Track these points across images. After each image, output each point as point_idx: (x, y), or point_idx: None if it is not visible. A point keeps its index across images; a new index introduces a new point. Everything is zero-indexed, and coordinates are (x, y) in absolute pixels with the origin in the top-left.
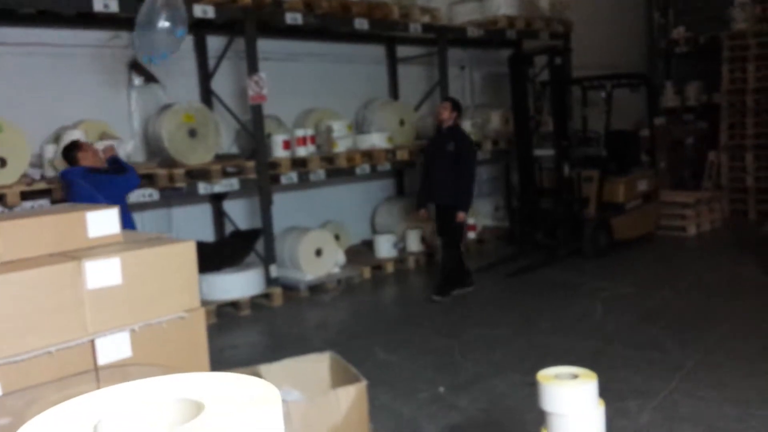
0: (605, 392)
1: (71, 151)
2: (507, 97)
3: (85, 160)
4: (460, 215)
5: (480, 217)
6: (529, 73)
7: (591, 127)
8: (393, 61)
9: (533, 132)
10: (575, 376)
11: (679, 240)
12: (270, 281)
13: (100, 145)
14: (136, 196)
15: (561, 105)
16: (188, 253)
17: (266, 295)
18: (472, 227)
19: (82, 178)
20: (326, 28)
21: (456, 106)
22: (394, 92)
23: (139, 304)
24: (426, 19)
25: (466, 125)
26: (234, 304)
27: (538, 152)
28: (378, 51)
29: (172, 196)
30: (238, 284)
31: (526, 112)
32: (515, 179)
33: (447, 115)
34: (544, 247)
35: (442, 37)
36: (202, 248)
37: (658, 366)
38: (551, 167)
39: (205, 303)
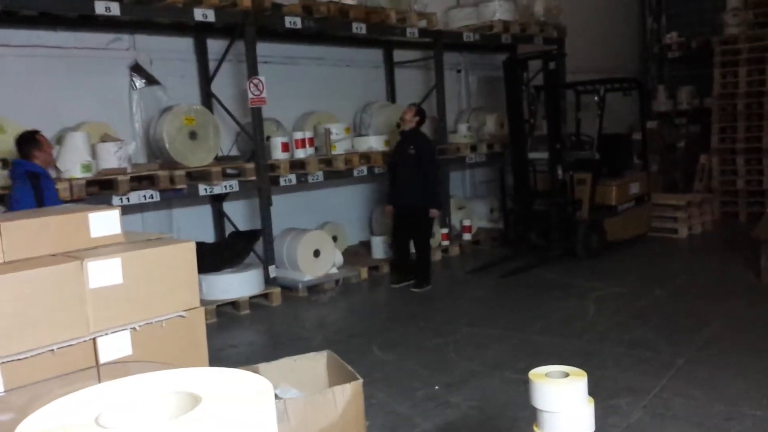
0: (597, 390)
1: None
2: (502, 100)
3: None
4: (433, 212)
5: (475, 218)
6: (523, 77)
7: (584, 130)
8: (390, 65)
9: (527, 135)
10: (566, 375)
11: (670, 241)
12: (269, 281)
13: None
14: (137, 197)
15: (555, 109)
16: (188, 253)
17: (265, 295)
18: (468, 228)
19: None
20: (324, 32)
21: (420, 113)
22: (391, 95)
23: (140, 303)
24: (422, 23)
25: (462, 128)
26: (233, 304)
27: (533, 155)
28: (376, 55)
29: (173, 197)
30: (238, 284)
31: (520, 115)
32: (510, 182)
33: (409, 117)
34: (538, 248)
35: (439, 42)
36: (202, 249)
37: (649, 364)
38: (545, 170)
39: (204, 303)
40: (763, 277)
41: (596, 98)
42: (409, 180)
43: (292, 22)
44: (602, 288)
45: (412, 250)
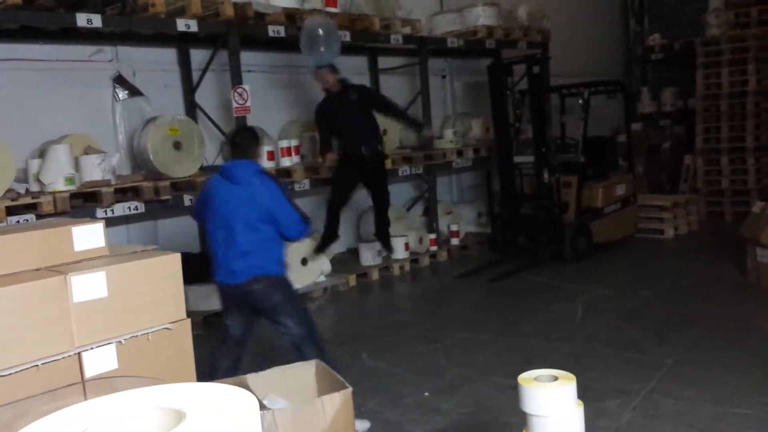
0: (586, 393)
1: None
2: (487, 105)
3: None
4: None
5: (463, 223)
6: (508, 81)
7: (569, 133)
8: (375, 72)
9: (513, 139)
10: (555, 378)
11: (657, 242)
12: None
13: None
14: (122, 209)
15: (540, 112)
16: (173, 265)
17: None
18: (456, 233)
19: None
20: None
21: (336, 70)
22: None
23: (125, 316)
24: (407, 30)
25: (448, 133)
26: (220, 315)
27: (518, 159)
28: (360, 62)
29: (158, 208)
30: None
31: (506, 119)
32: (496, 186)
33: (333, 79)
34: (526, 252)
35: (423, 48)
36: (188, 259)
37: (638, 366)
38: (531, 173)
39: (191, 314)
40: (750, 275)
41: (580, 101)
42: (360, 128)
43: (276, 30)
44: (590, 290)
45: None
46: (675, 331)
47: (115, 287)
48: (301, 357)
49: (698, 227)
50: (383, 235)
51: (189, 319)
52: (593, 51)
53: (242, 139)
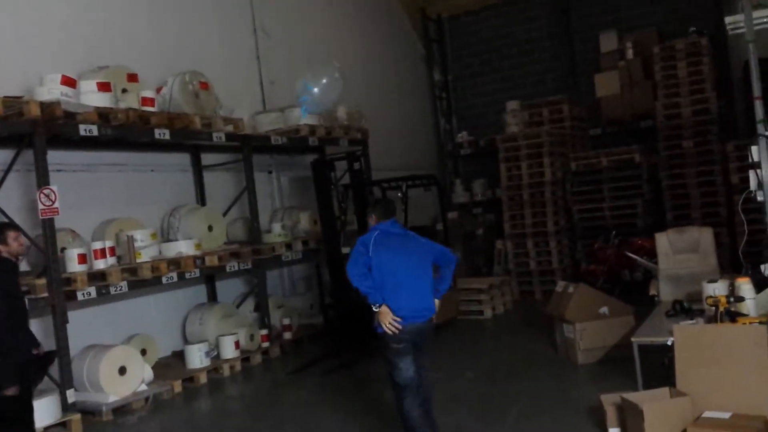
0: None
1: None
2: (314, 198)
3: None
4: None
5: (295, 316)
6: (332, 176)
7: None
8: (199, 168)
9: (340, 231)
10: None
11: (478, 323)
12: (67, 408)
13: None
14: None
15: (362, 205)
16: None
17: (63, 424)
18: (288, 327)
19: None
20: (125, 139)
21: None
22: (201, 198)
23: None
24: (229, 128)
25: (276, 227)
26: None
27: (346, 250)
28: (183, 159)
29: None
30: None
31: (332, 212)
32: (327, 276)
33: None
34: (358, 341)
35: (247, 145)
36: None
37: None
38: None
39: None
40: (560, 350)
41: (399, 194)
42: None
43: (88, 129)
44: None
45: None
46: (498, 410)
47: None
48: (426, 389)
49: (513, 306)
50: None
51: None
52: (410, 147)
53: (391, 205)
